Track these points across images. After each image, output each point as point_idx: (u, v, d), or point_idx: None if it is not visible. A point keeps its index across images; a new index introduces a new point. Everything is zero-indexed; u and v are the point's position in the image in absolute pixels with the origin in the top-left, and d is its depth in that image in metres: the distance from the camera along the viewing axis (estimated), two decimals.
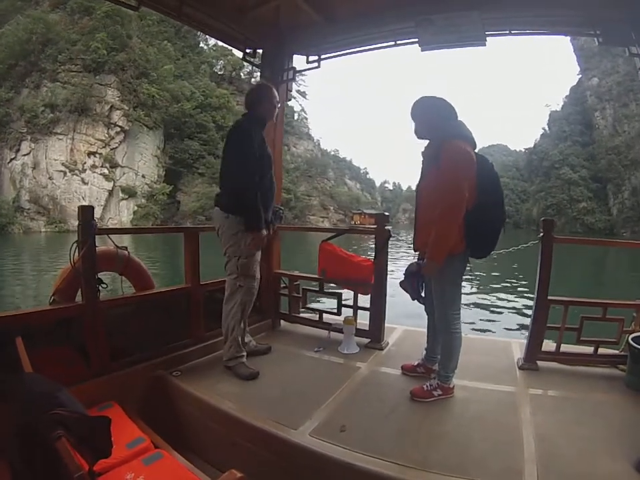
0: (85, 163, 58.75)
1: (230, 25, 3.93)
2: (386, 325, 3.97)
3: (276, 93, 3.46)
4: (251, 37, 4.16)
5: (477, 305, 12.63)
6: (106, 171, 60.00)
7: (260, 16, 3.92)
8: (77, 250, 2.88)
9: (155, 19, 67.35)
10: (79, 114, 58.35)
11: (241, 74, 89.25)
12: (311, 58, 4.28)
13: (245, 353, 3.40)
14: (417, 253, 3.10)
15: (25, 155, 57.91)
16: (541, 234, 3.41)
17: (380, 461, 2.17)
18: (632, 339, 3.12)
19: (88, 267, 2.90)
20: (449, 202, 2.64)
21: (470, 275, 3.28)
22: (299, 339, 4.09)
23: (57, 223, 55.42)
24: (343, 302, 4.17)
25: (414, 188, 3.12)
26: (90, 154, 59.20)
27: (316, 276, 4.25)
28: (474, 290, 14.78)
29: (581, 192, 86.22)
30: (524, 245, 3.96)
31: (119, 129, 61.65)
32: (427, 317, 3.26)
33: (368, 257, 4.05)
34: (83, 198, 56.81)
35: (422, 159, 2.99)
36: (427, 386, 2.96)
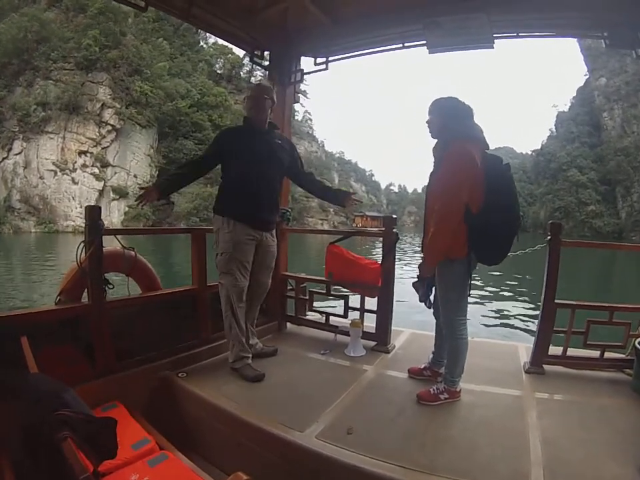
0: (75, 162, 58.62)
1: (238, 26, 3.99)
2: (393, 327, 3.96)
3: (255, 90, 3.51)
4: (259, 38, 4.21)
5: (483, 309, 12.60)
6: (96, 171, 59.76)
7: (268, 18, 3.97)
8: (83, 250, 2.87)
9: (150, 16, 66.98)
10: (70, 112, 58.21)
11: (241, 73, 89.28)
12: (319, 60, 4.33)
13: (250, 355, 3.43)
14: None
15: (16, 154, 57.82)
16: (548, 237, 3.39)
17: (386, 464, 2.17)
18: (638, 343, 3.16)
19: (95, 267, 2.93)
20: (443, 206, 2.69)
21: (476, 275, 3.27)
22: (305, 342, 4.11)
23: (46, 224, 55.16)
24: (350, 305, 4.17)
25: (419, 190, 3.14)
26: (81, 153, 59.05)
27: (323, 278, 4.27)
28: (481, 293, 14.71)
29: (589, 194, 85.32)
30: (531, 249, 3.95)
31: (110, 128, 61.37)
32: (435, 320, 3.25)
33: (375, 260, 4.02)
34: (72, 198, 56.91)
35: (433, 159, 2.98)
36: (433, 389, 2.97)
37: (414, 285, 3.10)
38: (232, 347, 3.37)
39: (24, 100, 57.40)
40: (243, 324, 3.41)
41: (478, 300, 13.69)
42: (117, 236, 3.42)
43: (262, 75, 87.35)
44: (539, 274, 3.58)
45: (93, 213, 2.91)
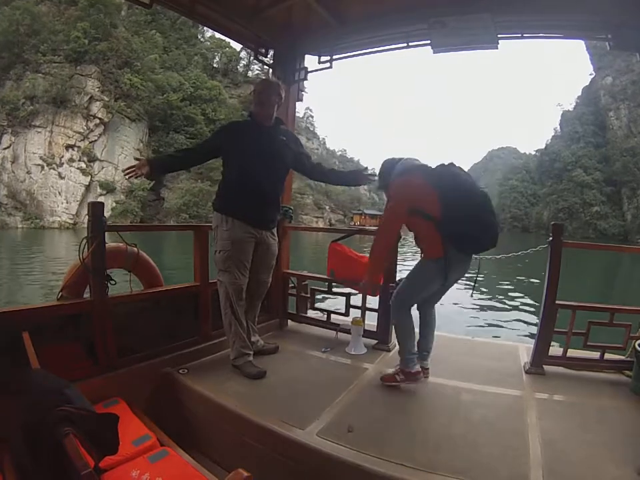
0: (62, 156, 58.10)
1: (243, 24, 3.99)
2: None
3: (263, 84, 3.50)
4: (263, 36, 4.24)
5: (484, 309, 12.67)
6: (83, 165, 59.15)
7: (272, 16, 3.98)
8: (86, 246, 2.88)
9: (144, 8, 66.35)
10: (58, 105, 57.67)
11: (238, 67, 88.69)
12: (323, 58, 4.34)
13: (251, 352, 3.45)
14: None
15: (5, 149, 57.43)
16: (550, 238, 3.39)
17: (387, 463, 2.19)
18: (638, 345, 3.18)
19: (97, 263, 2.93)
20: (378, 236, 3.18)
21: (471, 274, 3.32)
22: (306, 339, 4.14)
23: (32, 219, 54.58)
24: (351, 303, 4.20)
25: None
26: (68, 147, 58.53)
27: (324, 276, 4.31)
28: (482, 294, 14.73)
29: (594, 195, 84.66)
30: (532, 249, 3.98)
31: (98, 121, 60.85)
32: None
33: None
34: (59, 193, 56.41)
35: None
36: (393, 371, 3.18)
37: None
38: (232, 344, 3.39)
39: (13, 94, 57.06)
40: (244, 321, 3.43)
41: (479, 300, 13.71)
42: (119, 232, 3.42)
43: (259, 68, 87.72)
44: (540, 275, 3.58)
45: (96, 210, 2.93)
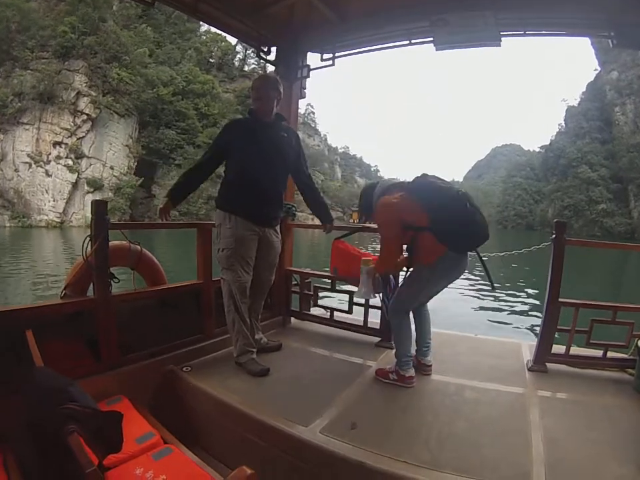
0: (49, 153, 57.15)
1: (245, 22, 4.03)
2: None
3: (262, 80, 3.51)
4: (266, 34, 4.26)
5: (487, 307, 12.64)
6: (70, 162, 58.02)
7: (275, 14, 4.01)
8: (89, 244, 2.89)
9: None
10: (45, 102, 56.80)
11: (235, 61, 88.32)
12: (325, 56, 4.36)
13: (254, 349, 3.48)
14: None
15: None
16: (553, 236, 3.39)
17: (390, 460, 2.21)
18: None
19: (100, 261, 2.96)
20: (381, 252, 3.28)
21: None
22: (309, 337, 4.15)
23: (20, 218, 53.77)
24: (354, 300, 4.19)
25: None
26: (55, 144, 57.59)
27: (328, 273, 4.32)
28: (484, 291, 14.71)
29: (600, 192, 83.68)
30: (536, 247, 3.97)
31: (85, 117, 59.67)
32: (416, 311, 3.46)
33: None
34: (46, 191, 55.71)
35: None
36: (388, 368, 3.25)
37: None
38: (235, 341, 3.42)
39: (1, 91, 55.90)
40: (247, 318, 3.45)
41: (481, 298, 13.71)
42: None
43: (255, 62, 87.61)
44: (544, 272, 3.57)
45: (99, 208, 2.95)
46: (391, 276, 3.66)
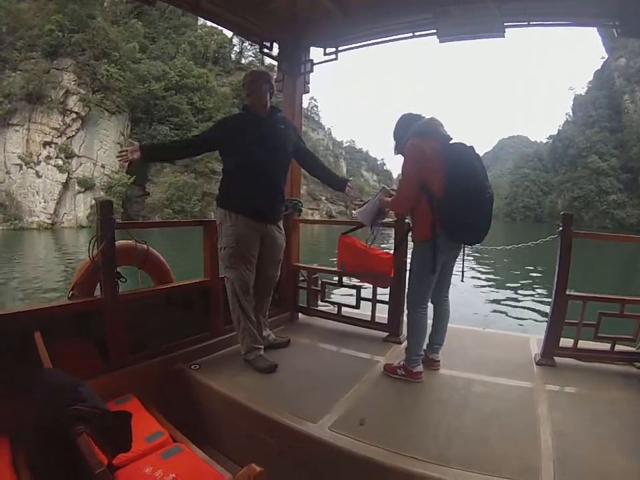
0: (40, 154, 56.48)
1: (246, 18, 4.05)
2: (404, 318, 3.98)
3: (251, 75, 3.48)
4: (268, 30, 4.28)
5: (495, 300, 12.67)
6: (60, 162, 57.25)
7: (276, 9, 4.02)
8: (95, 244, 2.91)
9: None
10: (34, 102, 56.11)
11: (232, 55, 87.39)
12: (328, 50, 4.38)
13: (262, 346, 3.52)
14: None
15: None
16: (560, 228, 3.38)
17: (399, 456, 2.23)
18: None
19: (107, 261, 2.98)
20: (400, 188, 3.13)
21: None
22: (317, 332, 4.18)
23: (12, 220, 53.02)
24: (362, 295, 4.21)
25: None
26: (45, 144, 56.96)
27: (335, 269, 4.36)
28: (492, 284, 14.70)
29: (610, 183, 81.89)
30: (542, 240, 3.96)
31: (75, 116, 58.82)
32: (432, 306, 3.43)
33: (387, 250, 4.05)
34: (37, 192, 55.14)
35: None
36: (396, 363, 3.25)
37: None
38: (242, 339, 3.46)
39: None
40: (253, 316, 3.49)
41: (489, 291, 13.70)
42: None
43: (252, 55, 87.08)
44: (553, 265, 3.56)
45: (104, 208, 2.96)
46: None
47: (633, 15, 3.27)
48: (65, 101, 57.88)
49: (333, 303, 4.51)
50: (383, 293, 4.08)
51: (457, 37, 3.81)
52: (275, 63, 4.57)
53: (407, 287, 3.31)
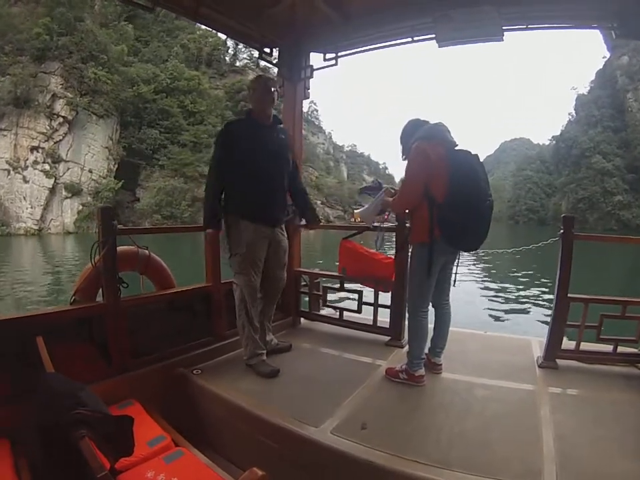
0: (27, 159, 56.08)
1: (246, 24, 4.09)
2: (406, 322, 3.99)
3: (264, 82, 3.49)
4: (267, 35, 4.33)
5: (497, 303, 12.65)
6: (47, 167, 56.84)
7: (276, 15, 4.04)
8: (97, 250, 2.93)
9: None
10: (22, 106, 55.75)
11: (226, 58, 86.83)
12: (328, 55, 4.42)
13: (264, 351, 3.56)
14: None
15: None
16: (561, 231, 3.39)
17: (401, 459, 2.24)
18: None
19: (109, 266, 3.02)
20: (402, 190, 3.20)
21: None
22: (319, 337, 4.21)
23: None
24: (363, 300, 4.25)
25: None
26: (33, 149, 56.55)
27: (336, 274, 4.37)
28: (494, 287, 14.69)
29: (615, 183, 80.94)
30: (543, 243, 3.99)
31: (62, 120, 58.28)
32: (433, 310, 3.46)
33: (388, 255, 4.06)
34: (24, 198, 54.80)
35: None
36: (398, 367, 3.28)
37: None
38: (245, 345, 3.51)
39: None
40: (257, 322, 3.53)
41: (491, 294, 13.68)
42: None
43: (247, 57, 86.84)
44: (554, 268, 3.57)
45: (105, 214, 3.00)
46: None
47: (632, 16, 3.29)
48: (52, 105, 57.64)
49: (334, 308, 4.55)
50: (385, 298, 4.09)
51: (455, 42, 3.83)
52: (270, 65, 4.60)
53: (409, 291, 3.33)
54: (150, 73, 69.66)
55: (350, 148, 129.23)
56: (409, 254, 3.36)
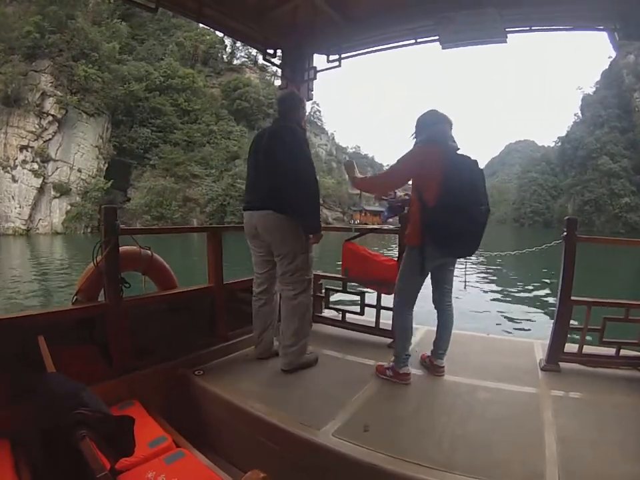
0: (16, 158, 56.39)
1: (249, 25, 4.12)
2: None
3: (293, 100, 3.65)
4: (271, 37, 4.36)
5: (500, 305, 12.59)
6: (35, 166, 56.98)
7: (279, 16, 4.10)
8: (100, 250, 2.94)
9: None
10: (12, 105, 56.00)
11: (223, 56, 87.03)
12: (332, 57, 4.47)
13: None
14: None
15: None
16: (564, 233, 3.39)
17: (403, 462, 2.24)
18: None
19: (111, 266, 3.03)
20: (377, 177, 3.48)
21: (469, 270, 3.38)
22: (321, 339, 4.19)
23: None
24: (366, 302, 4.27)
25: None
26: (22, 148, 56.85)
27: (339, 275, 4.38)
28: (498, 290, 14.66)
29: (622, 185, 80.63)
30: (547, 245, 3.98)
31: (51, 119, 58.42)
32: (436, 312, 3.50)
33: (391, 257, 4.08)
34: (12, 197, 54.99)
35: None
36: (386, 364, 3.35)
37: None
38: (299, 353, 3.46)
39: None
40: None
41: (495, 297, 13.66)
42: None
43: (245, 56, 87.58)
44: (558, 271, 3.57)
45: (108, 214, 3.01)
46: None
47: (635, 17, 3.30)
48: (42, 104, 57.79)
49: (337, 310, 4.55)
50: (387, 300, 4.06)
51: (459, 43, 3.87)
52: (269, 64, 4.62)
53: (397, 290, 3.34)
54: (142, 71, 69.48)
55: (354, 149, 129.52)
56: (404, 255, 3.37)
